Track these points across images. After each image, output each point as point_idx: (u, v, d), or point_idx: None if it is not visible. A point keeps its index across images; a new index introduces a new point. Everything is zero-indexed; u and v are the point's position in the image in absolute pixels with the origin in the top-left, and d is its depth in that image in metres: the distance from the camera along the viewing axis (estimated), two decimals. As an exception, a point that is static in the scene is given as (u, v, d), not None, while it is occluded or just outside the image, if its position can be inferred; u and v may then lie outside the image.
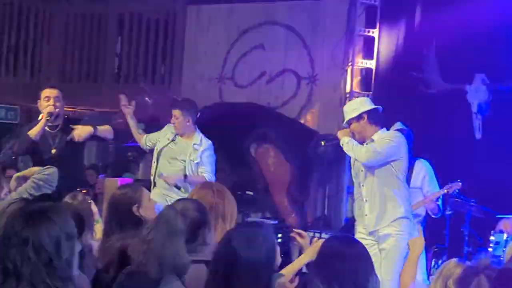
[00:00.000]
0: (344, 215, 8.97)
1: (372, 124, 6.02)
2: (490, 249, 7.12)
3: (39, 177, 4.84)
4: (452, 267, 3.34)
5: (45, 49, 11.14)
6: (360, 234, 6.02)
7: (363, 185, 6.03)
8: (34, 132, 6.55)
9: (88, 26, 11.11)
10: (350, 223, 8.50)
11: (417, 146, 7.07)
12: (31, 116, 10.36)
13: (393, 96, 8.87)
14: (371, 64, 9.16)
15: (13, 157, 10.89)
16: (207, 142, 7.20)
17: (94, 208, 5.07)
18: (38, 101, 6.64)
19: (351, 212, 9.02)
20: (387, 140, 6.03)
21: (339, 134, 6.19)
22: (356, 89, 9.17)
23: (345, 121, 6.17)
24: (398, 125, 7.05)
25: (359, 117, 6.03)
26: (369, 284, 2.98)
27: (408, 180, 6.78)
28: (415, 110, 8.28)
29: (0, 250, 2.51)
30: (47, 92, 6.65)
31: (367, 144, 6.02)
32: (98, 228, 4.61)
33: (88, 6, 11.26)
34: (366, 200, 5.94)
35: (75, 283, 2.59)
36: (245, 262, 2.93)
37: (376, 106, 6.10)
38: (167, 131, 7.33)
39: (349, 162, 7.87)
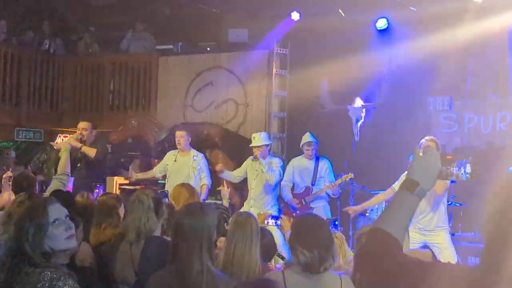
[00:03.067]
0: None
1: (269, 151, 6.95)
2: (367, 214, 7.19)
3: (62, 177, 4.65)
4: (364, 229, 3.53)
5: (60, 88, 10.99)
6: None
7: None
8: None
9: (90, 71, 10.98)
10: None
11: (319, 148, 7.27)
12: (52, 137, 10.36)
13: (301, 114, 8.89)
14: (285, 93, 9.21)
15: (40, 165, 10.88)
16: (200, 154, 7.22)
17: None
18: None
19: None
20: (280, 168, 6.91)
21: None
22: (276, 110, 9.21)
23: (258, 144, 6.83)
24: (308, 135, 7.20)
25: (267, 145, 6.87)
26: (333, 245, 2.92)
27: (315, 172, 7.04)
28: (316, 123, 8.31)
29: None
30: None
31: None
32: None
33: (90, 58, 11.19)
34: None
35: None
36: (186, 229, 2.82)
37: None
38: (169, 156, 7.22)
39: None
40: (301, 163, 7.23)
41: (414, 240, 5.66)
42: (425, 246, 5.69)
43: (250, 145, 7.02)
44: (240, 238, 3.25)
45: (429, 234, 5.67)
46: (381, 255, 1.54)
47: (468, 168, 1.74)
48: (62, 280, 2.26)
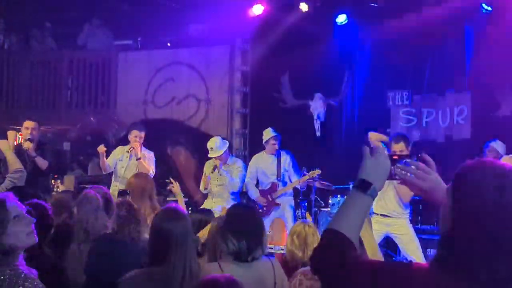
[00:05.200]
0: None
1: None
2: (329, 209, 7.24)
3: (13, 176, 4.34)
4: (297, 226, 3.54)
5: (16, 85, 10.69)
6: None
7: None
8: None
9: (47, 67, 10.70)
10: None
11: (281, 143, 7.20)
12: (6, 136, 10.03)
13: (263, 110, 8.96)
14: (247, 89, 9.20)
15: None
16: (150, 152, 6.82)
17: None
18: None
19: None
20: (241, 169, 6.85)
21: None
22: (238, 106, 9.22)
23: (217, 155, 6.67)
24: (270, 129, 7.12)
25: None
26: (264, 238, 2.94)
27: (279, 167, 6.97)
28: (278, 119, 8.28)
29: None
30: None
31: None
32: None
33: (47, 54, 10.92)
34: None
35: None
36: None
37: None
38: (120, 152, 6.81)
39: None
40: (263, 160, 7.15)
41: (376, 231, 5.68)
42: (388, 238, 5.76)
43: (209, 155, 6.81)
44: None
45: (392, 223, 5.69)
46: (335, 257, 1.53)
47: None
48: (22, 278, 2.22)
